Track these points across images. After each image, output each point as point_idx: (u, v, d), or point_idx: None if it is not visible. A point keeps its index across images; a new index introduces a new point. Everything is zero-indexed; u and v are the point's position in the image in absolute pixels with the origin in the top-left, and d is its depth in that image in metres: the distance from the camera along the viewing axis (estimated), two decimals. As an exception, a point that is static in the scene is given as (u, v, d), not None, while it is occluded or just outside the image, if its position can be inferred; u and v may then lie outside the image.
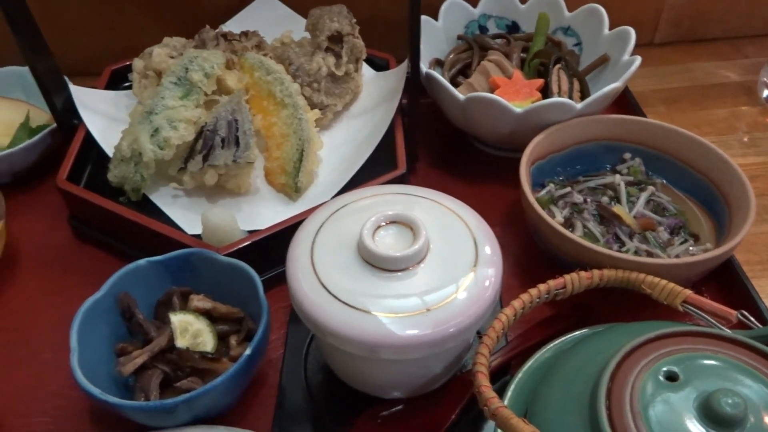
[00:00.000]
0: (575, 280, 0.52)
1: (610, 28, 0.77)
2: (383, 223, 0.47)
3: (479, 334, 0.50)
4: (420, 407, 0.51)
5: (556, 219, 0.62)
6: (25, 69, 0.82)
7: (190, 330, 0.53)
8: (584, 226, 0.62)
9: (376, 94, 0.78)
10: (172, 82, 0.67)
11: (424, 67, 0.73)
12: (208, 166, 0.63)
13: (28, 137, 0.73)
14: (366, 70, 0.82)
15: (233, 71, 0.74)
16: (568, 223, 0.63)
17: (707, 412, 0.38)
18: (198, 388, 0.47)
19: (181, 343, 0.52)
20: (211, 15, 0.88)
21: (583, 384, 0.43)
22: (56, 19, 0.86)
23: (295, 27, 0.82)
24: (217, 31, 0.78)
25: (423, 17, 0.77)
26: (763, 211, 0.71)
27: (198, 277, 0.56)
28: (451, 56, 0.81)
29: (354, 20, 0.77)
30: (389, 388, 0.51)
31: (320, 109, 0.73)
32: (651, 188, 0.65)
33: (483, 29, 0.86)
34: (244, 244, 0.59)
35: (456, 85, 0.75)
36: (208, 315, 0.55)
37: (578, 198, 0.64)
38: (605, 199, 0.64)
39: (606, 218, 0.63)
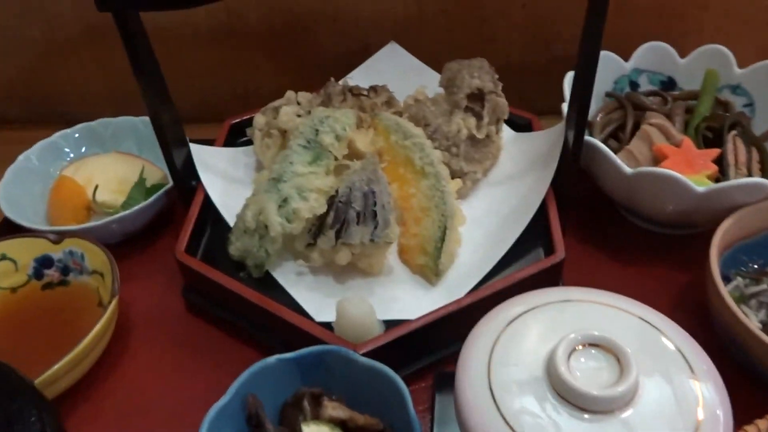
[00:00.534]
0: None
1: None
2: (578, 347, 0.38)
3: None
4: None
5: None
6: (139, 120, 0.78)
7: (324, 443, 0.46)
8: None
9: (519, 159, 0.70)
10: (300, 145, 0.61)
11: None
12: (341, 244, 0.56)
13: (143, 197, 0.68)
14: (505, 130, 0.73)
15: (362, 130, 0.67)
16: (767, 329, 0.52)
17: None
18: None
19: (313, 459, 0.45)
20: (332, 61, 0.83)
21: None
22: (176, 63, 0.82)
23: (424, 80, 0.75)
24: (343, 84, 0.72)
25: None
26: None
27: (332, 377, 0.49)
28: (600, 116, 0.72)
29: (497, 77, 0.69)
30: None
31: (459, 177, 0.65)
32: None
33: (634, 85, 0.76)
34: (384, 342, 0.51)
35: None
36: (342, 425, 0.47)
37: (776, 297, 0.54)
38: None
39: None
